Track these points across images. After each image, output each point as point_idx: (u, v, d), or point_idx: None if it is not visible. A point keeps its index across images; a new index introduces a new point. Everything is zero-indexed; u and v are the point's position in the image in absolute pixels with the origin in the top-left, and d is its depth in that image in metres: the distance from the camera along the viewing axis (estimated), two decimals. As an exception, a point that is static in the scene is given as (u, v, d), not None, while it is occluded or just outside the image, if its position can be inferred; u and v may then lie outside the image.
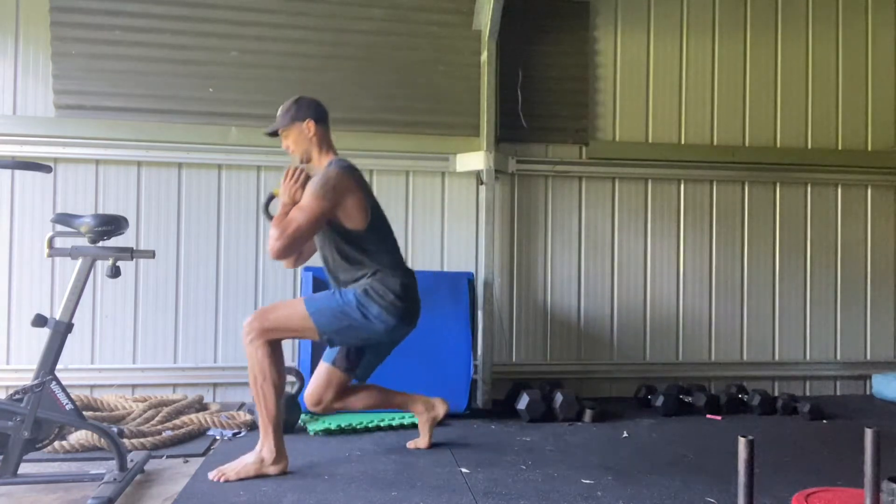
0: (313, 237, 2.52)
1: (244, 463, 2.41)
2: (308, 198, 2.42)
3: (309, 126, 2.59)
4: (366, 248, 2.53)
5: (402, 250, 3.79)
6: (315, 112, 2.62)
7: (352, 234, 2.50)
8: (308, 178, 2.52)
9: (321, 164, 2.59)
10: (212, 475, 2.37)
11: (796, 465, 2.62)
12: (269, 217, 2.57)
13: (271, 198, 2.66)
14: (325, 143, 2.64)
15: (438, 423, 3.15)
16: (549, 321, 4.01)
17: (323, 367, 2.68)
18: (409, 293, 2.55)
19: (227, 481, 2.34)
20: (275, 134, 2.67)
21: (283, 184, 2.52)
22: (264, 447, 2.43)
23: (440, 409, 2.82)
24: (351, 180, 2.51)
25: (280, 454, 2.44)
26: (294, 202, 2.47)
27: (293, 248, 2.42)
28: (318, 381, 2.66)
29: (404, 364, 2.91)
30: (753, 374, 4.13)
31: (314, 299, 2.54)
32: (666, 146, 4.14)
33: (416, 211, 3.90)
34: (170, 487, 2.29)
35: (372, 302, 2.46)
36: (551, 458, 2.69)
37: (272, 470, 2.41)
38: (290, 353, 3.74)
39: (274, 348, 2.45)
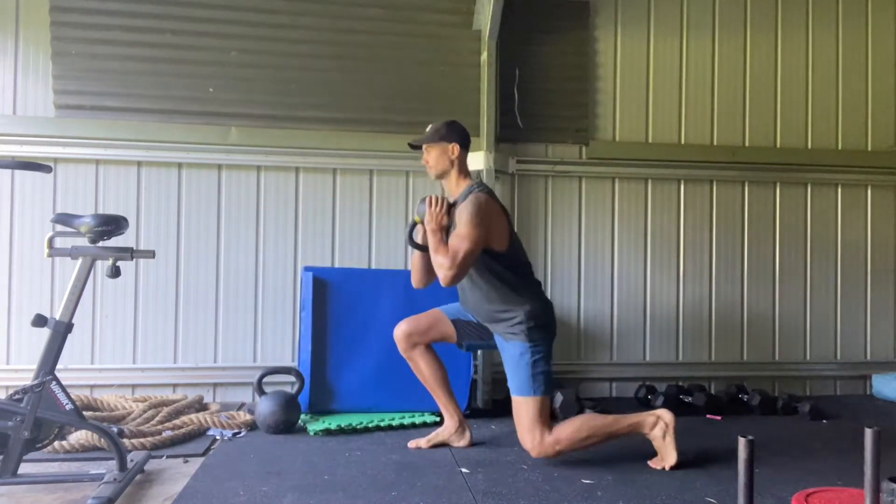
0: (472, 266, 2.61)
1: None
2: (468, 227, 2.53)
3: (454, 149, 2.73)
4: (513, 265, 2.68)
5: (401, 250, 3.86)
6: (463, 138, 2.77)
7: (498, 255, 2.64)
8: (449, 203, 2.67)
9: (458, 187, 2.75)
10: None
11: (796, 465, 2.62)
12: (414, 245, 2.75)
13: (413, 225, 2.77)
14: (465, 168, 2.78)
15: (439, 423, 3.15)
16: (549, 321, 4.00)
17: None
18: (549, 310, 2.73)
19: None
20: (416, 147, 2.82)
21: (429, 211, 2.64)
22: (655, 425, 2.61)
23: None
24: (497, 205, 2.70)
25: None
26: (441, 227, 2.61)
27: (463, 275, 2.57)
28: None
29: (404, 364, 2.90)
30: (753, 374, 4.13)
31: (525, 386, 2.56)
32: (666, 146, 4.14)
33: (413, 212, 3.89)
34: (170, 487, 2.29)
35: (537, 337, 2.60)
36: (551, 459, 2.69)
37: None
38: (291, 352, 3.75)
39: (553, 427, 2.55)
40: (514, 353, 2.61)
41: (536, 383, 2.56)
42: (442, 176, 2.78)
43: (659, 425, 2.59)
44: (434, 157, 2.76)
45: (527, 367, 2.57)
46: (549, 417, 2.59)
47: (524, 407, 2.56)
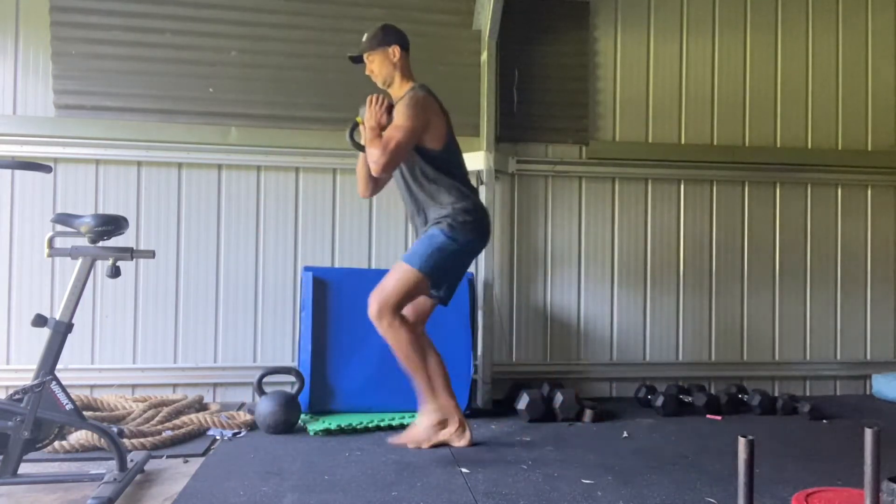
0: (401, 163, 2.67)
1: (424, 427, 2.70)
2: (402, 118, 2.59)
3: (395, 51, 2.78)
4: (446, 166, 2.72)
5: (401, 250, 3.86)
6: (401, 39, 2.81)
7: (432, 153, 2.69)
8: (390, 103, 2.69)
9: (402, 90, 2.77)
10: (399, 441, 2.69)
11: (796, 465, 2.62)
12: (355, 144, 2.74)
13: (355, 125, 2.78)
14: (407, 70, 2.82)
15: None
16: (549, 321, 4.01)
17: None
18: (479, 209, 2.77)
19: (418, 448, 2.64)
20: (359, 60, 2.83)
21: (368, 109, 2.68)
22: (442, 411, 2.68)
23: (461, 441, 2.79)
24: (435, 103, 2.74)
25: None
26: (380, 125, 2.64)
27: (395, 163, 2.61)
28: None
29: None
30: (753, 374, 4.13)
31: (413, 254, 2.66)
32: (666, 146, 4.14)
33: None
34: (170, 487, 2.29)
35: (458, 232, 2.65)
36: (551, 458, 2.69)
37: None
38: (291, 352, 3.75)
39: (401, 316, 2.62)
40: (426, 234, 2.68)
41: (426, 259, 2.61)
42: (389, 82, 2.80)
43: (439, 423, 2.68)
44: (377, 64, 2.79)
45: (429, 245, 2.64)
46: (404, 303, 2.63)
47: (398, 270, 2.65)
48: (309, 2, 3.84)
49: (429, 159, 2.70)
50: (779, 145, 4.26)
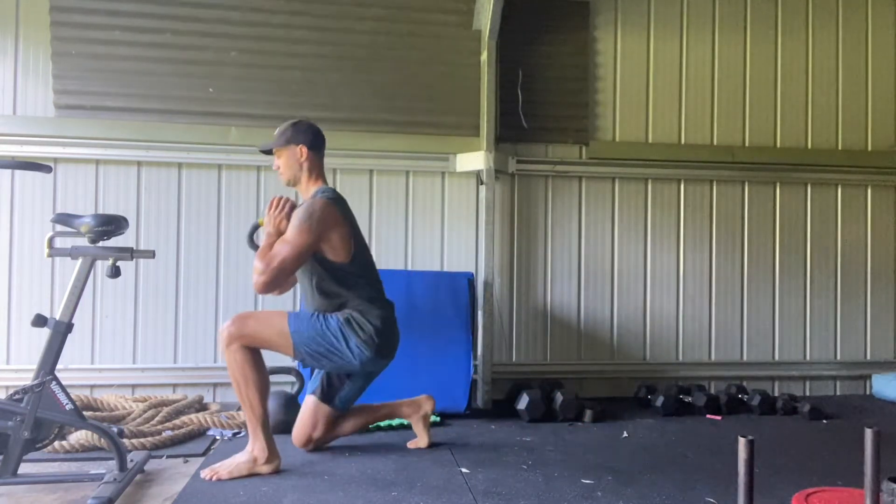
0: (290, 275, 2.50)
1: (236, 462, 2.40)
2: (293, 231, 2.42)
3: (301, 150, 2.61)
4: (347, 281, 2.54)
5: (401, 250, 3.87)
6: (310, 138, 2.63)
7: (335, 266, 2.52)
8: (293, 207, 2.54)
9: (308, 192, 2.62)
10: (204, 474, 2.37)
11: (796, 465, 2.62)
12: (253, 247, 2.59)
13: (255, 227, 2.66)
14: (316, 171, 2.65)
15: (439, 423, 3.17)
16: (549, 321, 4.01)
17: (309, 401, 2.69)
18: (387, 327, 2.56)
19: (219, 480, 2.33)
20: (269, 152, 2.68)
21: (268, 213, 2.54)
22: (255, 447, 2.43)
23: (427, 406, 2.83)
24: (336, 212, 2.54)
25: (272, 453, 2.45)
26: (279, 232, 2.49)
27: (277, 283, 2.44)
28: (305, 417, 2.69)
29: (404, 364, 2.91)
30: (753, 374, 4.13)
31: (298, 318, 2.51)
32: (666, 146, 4.14)
33: (416, 211, 3.90)
34: (170, 487, 2.29)
35: (352, 332, 2.49)
36: (551, 458, 2.69)
37: (265, 469, 2.41)
38: (290, 353, 3.74)
39: (253, 351, 2.44)
40: (322, 316, 2.49)
41: (304, 331, 2.43)
42: (294, 181, 2.64)
43: (254, 459, 2.40)
44: (284, 161, 2.62)
45: (317, 323, 2.45)
46: (258, 341, 2.42)
47: (276, 315, 2.48)
48: (309, 2, 3.83)
49: (331, 272, 2.51)
50: (779, 145, 4.27)
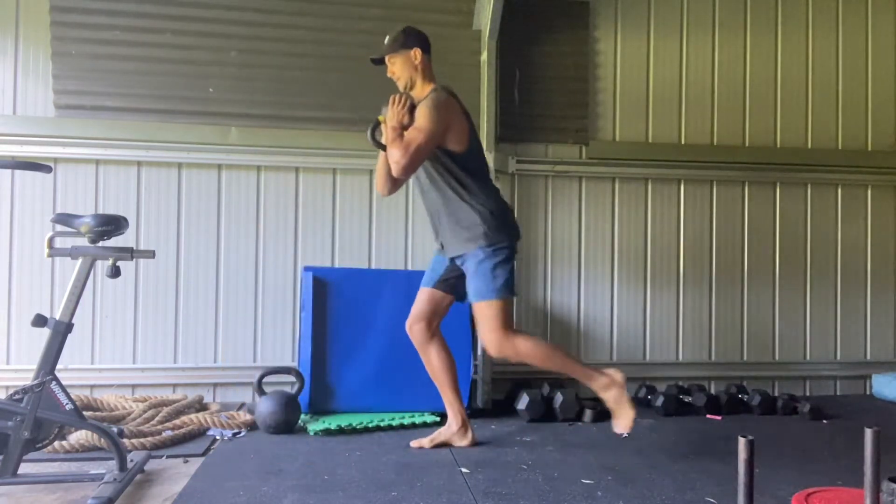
0: (424, 161, 2.63)
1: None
2: (423, 119, 2.57)
3: (416, 54, 2.75)
4: (470, 168, 2.69)
5: (401, 250, 3.87)
6: (422, 42, 2.78)
7: (456, 156, 2.66)
8: (412, 104, 2.68)
9: (423, 91, 2.75)
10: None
11: (796, 465, 2.62)
12: (376, 143, 2.71)
13: (377, 124, 2.75)
14: (429, 72, 2.80)
15: (439, 423, 3.16)
16: (549, 321, 4.01)
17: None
18: (504, 208, 2.76)
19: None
20: (380, 61, 2.82)
21: (391, 109, 2.66)
22: (609, 386, 2.64)
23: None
24: (457, 105, 2.72)
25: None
26: (402, 126, 2.62)
27: (415, 166, 2.58)
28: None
29: (404, 364, 2.91)
30: (753, 374, 4.13)
31: (484, 291, 2.61)
32: (666, 146, 4.14)
33: (416, 211, 3.89)
34: (170, 487, 2.29)
35: (496, 239, 2.62)
36: (551, 458, 2.69)
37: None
38: (291, 352, 3.75)
39: (515, 333, 2.64)
40: (475, 261, 2.64)
41: (497, 285, 2.60)
42: (411, 84, 2.78)
43: (613, 388, 2.65)
44: (399, 67, 2.77)
45: (487, 272, 2.61)
46: (511, 322, 2.66)
47: (486, 311, 2.62)
48: (309, 2, 3.83)
49: (451, 161, 2.67)
50: (779, 145, 4.26)
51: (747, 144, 4.23)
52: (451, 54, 3.92)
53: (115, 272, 2.35)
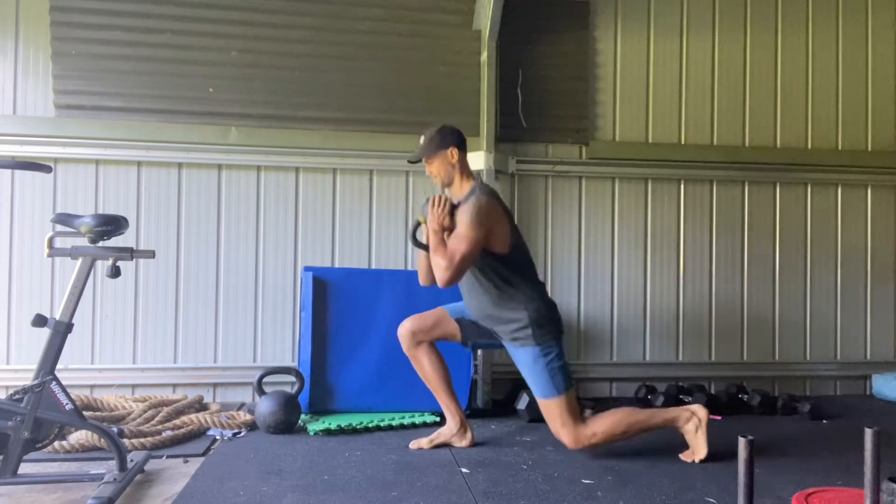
0: (470, 268, 2.62)
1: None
2: (465, 227, 2.55)
3: (453, 153, 2.74)
4: (515, 268, 2.68)
5: (401, 250, 3.87)
6: (457, 140, 2.77)
7: (500, 256, 2.65)
8: (453, 205, 2.67)
9: (462, 189, 2.75)
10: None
11: (796, 465, 2.62)
12: (417, 244, 2.75)
13: (417, 225, 2.79)
14: (467, 169, 2.79)
15: (438, 423, 3.16)
16: (549, 321, 4.00)
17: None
18: (550, 306, 2.73)
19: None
20: (416, 161, 2.83)
21: (431, 211, 2.65)
22: (689, 420, 2.66)
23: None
24: (499, 207, 2.68)
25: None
26: (442, 228, 2.62)
27: (460, 275, 2.58)
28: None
29: (404, 364, 2.90)
30: (753, 374, 4.13)
31: (547, 389, 2.61)
32: (666, 146, 4.14)
33: (417, 211, 3.90)
34: (170, 487, 2.29)
35: (547, 338, 2.63)
36: (551, 458, 2.69)
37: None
38: (291, 352, 3.75)
39: (586, 421, 2.64)
40: (527, 359, 2.64)
41: (557, 382, 2.60)
42: (449, 182, 2.78)
43: (693, 420, 2.65)
44: (436, 167, 2.77)
45: (544, 370, 2.61)
46: (579, 410, 2.66)
47: (553, 408, 2.61)
48: (309, 2, 3.83)
49: (496, 261, 2.65)
50: (779, 145, 4.26)
51: (747, 144, 4.23)
52: (451, 54, 3.94)
53: (115, 272, 2.35)
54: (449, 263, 2.52)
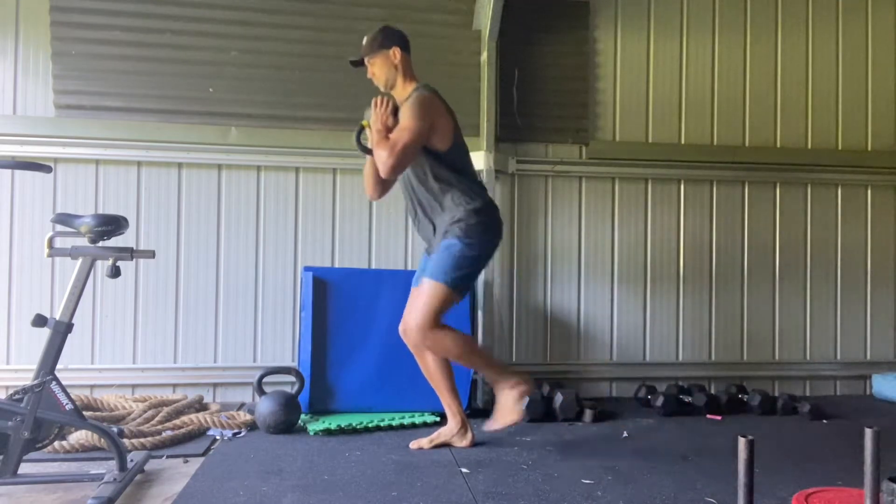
0: (412, 159, 2.61)
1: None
2: (409, 119, 2.57)
3: (395, 53, 2.74)
4: (455, 165, 2.69)
5: (401, 250, 3.87)
6: (401, 40, 2.77)
7: (440, 154, 2.66)
8: (395, 105, 2.67)
9: (405, 91, 2.74)
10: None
11: (796, 465, 2.62)
12: (362, 147, 2.72)
13: (361, 129, 2.75)
14: (410, 70, 2.78)
15: (438, 423, 3.16)
16: (549, 321, 4.01)
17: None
18: (490, 208, 2.73)
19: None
20: (360, 63, 2.81)
21: (374, 112, 2.66)
22: (515, 386, 2.64)
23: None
24: (441, 103, 2.70)
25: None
26: (386, 128, 2.61)
27: (403, 165, 2.58)
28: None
29: (404, 364, 2.91)
30: (753, 374, 4.13)
31: (437, 270, 2.60)
32: (666, 146, 4.14)
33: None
34: (170, 487, 2.29)
35: (474, 235, 2.61)
36: (551, 458, 2.69)
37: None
38: (291, 353, 3.75)
39: (441, 326, 2.59)
40: (443, 245, 2.63)
41: (451, 273, 2.58)
42: (392, 84, 2.77)
43: (517, 389, 2.66)
44: (378, 67, 2.76)
45: (450, 257, 2.59)
46: (442, 315, 2.59)
47: (429, 290, 2.59)
48: (309, 2, 3.84)
49: (437, 160, 2.67)
50: (779, 145, 4.26)
51: (747, 144, 4.23)
52: (451, 54, 3.94)
53: (115, 272, 2.35)
54: (391, 152, 2.52)
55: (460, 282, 2.61)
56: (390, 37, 2.75)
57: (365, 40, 2.78)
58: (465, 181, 2.70)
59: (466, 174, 2.74)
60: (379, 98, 2.68)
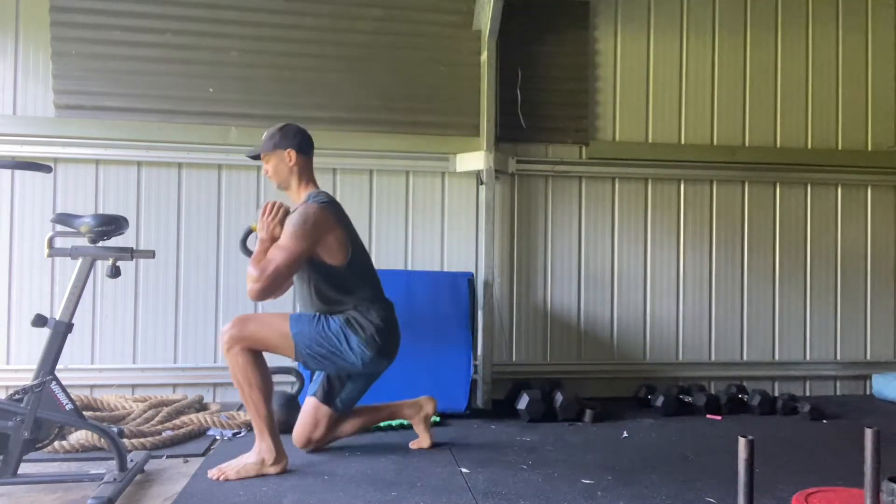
0: (284, 283, 2.46)
1: (244, 463, 2.41)
2: (287, 237, 2.38)
3: (290, 155, 2.57)
4: (346, 284, 2.52)
5: (401, 250, 3.87)
6: (298, 142, 2.58)
7: (332, 270, 2.49)
8: (286, 212, 2.50)
9: (300, 196, 2.59)
10: (211, 473, 2.37)
11: (796, 465, 2.62)
12: (247, 252, 2.58)
13: (249, 232, 2.65)
14: (306, 175, 2.61)
15: (439, 423, 3.17)
16: (549, 321, 4.01)
17: (309, 402, 2.69)
18: (388, 326, 2.55)
19: (226, 480, 2.34)
20: (257, 157, 2.66)
21: (261, 219, 2.50)
22: (262, 448, 2.43)
23: (428, 407, 2.83)
24: (330, 216, 2.49)
25: (280, 454, 2.45)
26: (273, 238, 2.45)
27: (272, 290, 2.39)
28: (305, 418, 2.69)
29: (404, 365, 2.90)
30: (753, 374, 4.13)
31: (299, 320, 2.50)
32: (666, 146, 4.14)
33: (416, 211, 3.90)
34: (170, 487, 2.29)
35: (353, 332, 2.48)
36: (551, 458, 2.69)
37: (272, 470, 2.42)
38: (290, 353, 3.74)
39: (254, 353, 2.43)
40: (323, 317, 2.48)
41: (307, 340, 2.42)
42: (285, 186, 2.60)
43: (268, 464, 2.40)
44: (272, 166, 2.58)
45: (319, 329, 2.44)
46: (261, 347, 2.43)
47: (278, 321, 2.45)
48: (309, 2, 3.83)
49: (325, 276, 2.48)
50: (779, 145, 4.27)
51: (747, 144, 4.23)
52: (451, 54, 3.94)
53: (115, 272, 2.35)
54: (260, 274, 2.33)
55: (304, 348, 2.44)
56: (288, 136, 2.56)
57: (265, 134, 2.61)
58: (361, 297, 2.51)
59: (361, 294, 2.53)
60: (270, 203, 2.51)
